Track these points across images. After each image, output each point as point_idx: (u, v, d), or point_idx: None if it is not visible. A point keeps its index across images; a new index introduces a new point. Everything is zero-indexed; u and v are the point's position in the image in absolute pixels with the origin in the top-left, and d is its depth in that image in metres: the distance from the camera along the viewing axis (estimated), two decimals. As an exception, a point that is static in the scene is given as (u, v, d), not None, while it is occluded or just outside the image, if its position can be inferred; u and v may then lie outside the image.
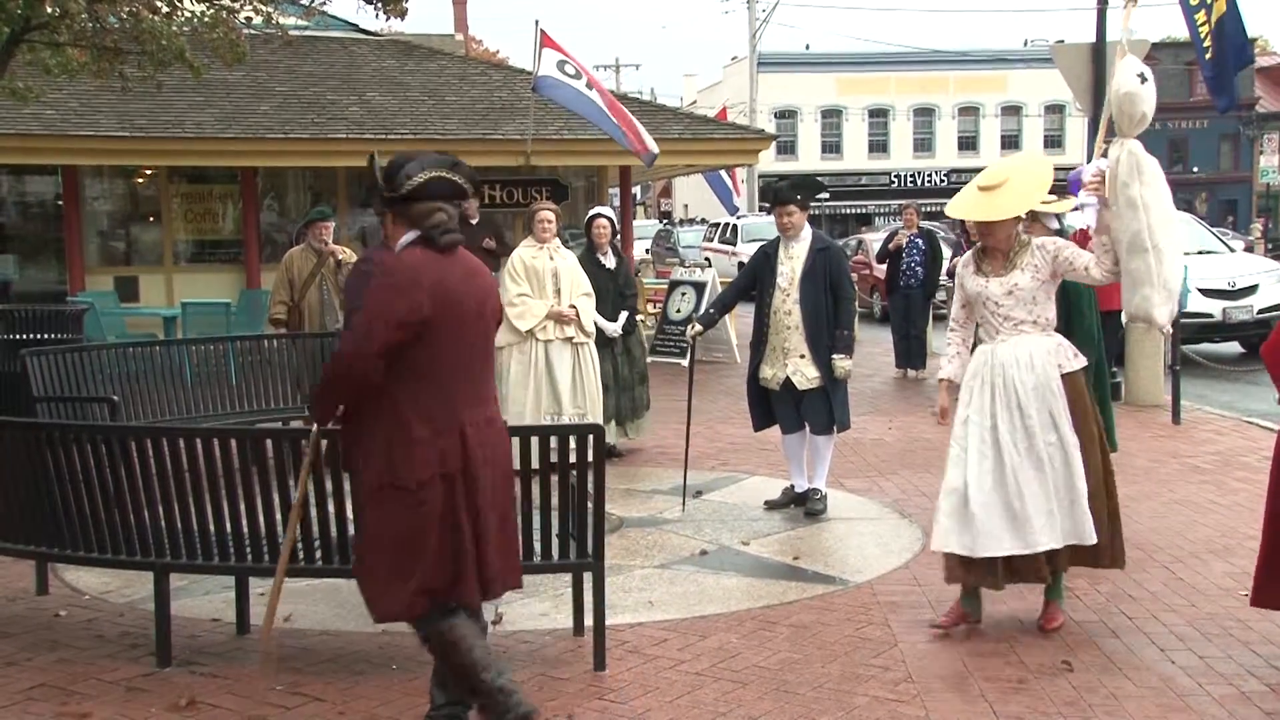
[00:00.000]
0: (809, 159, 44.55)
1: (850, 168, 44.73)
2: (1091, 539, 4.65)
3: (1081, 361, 4.81)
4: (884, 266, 13.36)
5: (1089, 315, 6.47)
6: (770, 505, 6.82)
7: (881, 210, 41.67)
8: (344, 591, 4.97)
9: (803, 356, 6.56)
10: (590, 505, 4.38)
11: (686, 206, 49.46)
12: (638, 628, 4.90)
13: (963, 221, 11.07)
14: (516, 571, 3.80)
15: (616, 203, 18.91)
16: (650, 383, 8.68)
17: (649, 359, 9.88)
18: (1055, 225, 6.61)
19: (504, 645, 4.70)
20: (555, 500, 4.44)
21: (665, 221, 39.32)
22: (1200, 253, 13.79)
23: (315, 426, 3.79)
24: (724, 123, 19.34)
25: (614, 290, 7.97)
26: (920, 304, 12.46)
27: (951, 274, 11.17)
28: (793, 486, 6.85)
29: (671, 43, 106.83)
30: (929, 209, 25.47)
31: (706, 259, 19.69)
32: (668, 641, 4.75)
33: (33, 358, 6.63)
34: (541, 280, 7.42)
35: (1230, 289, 13.18)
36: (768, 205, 6.89)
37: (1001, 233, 4.73)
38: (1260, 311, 12.98)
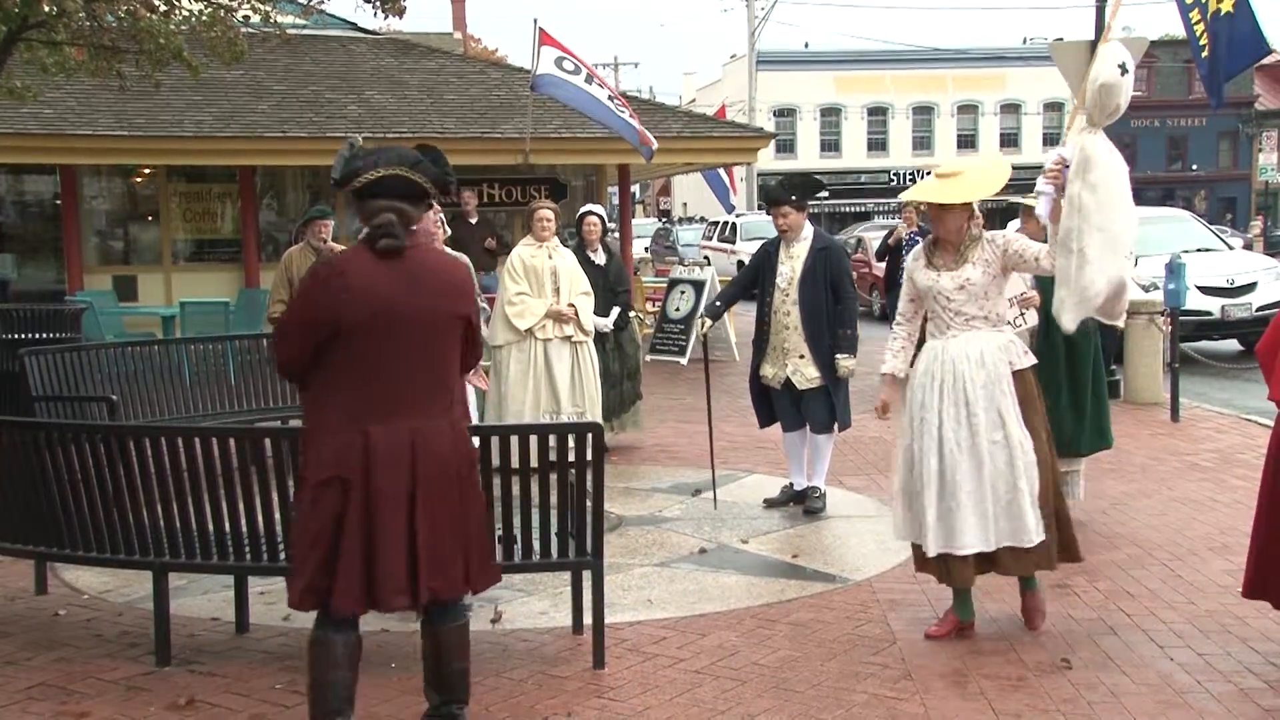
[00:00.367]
0: (808, 157, 44.54)
1: (849, 166, 44.74)
2: (1030, 540, 4.55)
3: (1032, 359, 4.76)
4: (883, 265, 13.36)
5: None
6: (769, 503, 6.82)
7: (881, 208, 41.67)
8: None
9: (802, 357, 6.56)
10: (589, 503, 4.38)
11: (685, 205, 49.46)
12: (637, 626, 4.90)
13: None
14: (455, 582, 3.56)
15: (615, 201, 18.91)
16: (648, 381, 8.69)
17: (649, 357, 9.87)
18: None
19: (503, 643, 4.70)
20: (554, 499, 4.44)
21: (664, 220, 39.29)
22: (1199, 250, 13.78)
23: None
24: (723, 121, 19.34)
25: (604, 286, 7.97)
26: (919, 302, 12.46)
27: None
28: (791, 485, 6.85)
29: (670, 41, 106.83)
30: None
31: (705, 257, 19.70)
32: (667, 640, 4.75)
33: (31, 357, 6.62)
34: (540, 279, 7.41)
35: (1229, 286, 13.16)
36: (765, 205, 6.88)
37: (952, 222, 4.66)
38: (1259, 309, 12.98)
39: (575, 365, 7.48)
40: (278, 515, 4.34)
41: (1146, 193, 41.95)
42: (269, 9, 11.36)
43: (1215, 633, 4.75)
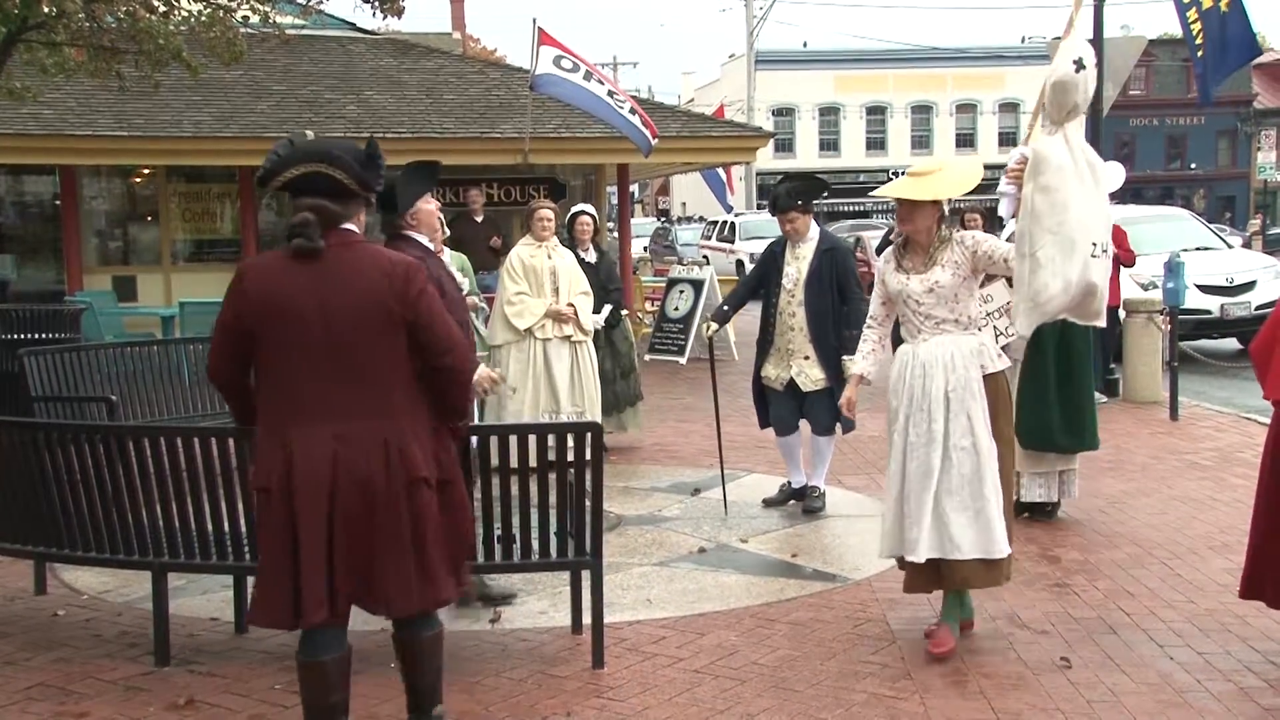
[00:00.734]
0: (807, 156, 44.56)
1: (848, 165, 44.76)
2: (1000, 551, 4.44)
3: (1005, 363, 4.68)
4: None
5: None
6: (768, 503, 6.82)
7: (880, 207, 41.69)
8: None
9: (807, 358, 6.55)
10: (588, 503, 4.38)
11: (684, 204, 49.47)
12: (636, 625, 4.90)
13: (961, 220, 11.09)
14: (389, 597, 3.40)
15: (614, 200, 18.91)
16: (647, 381, 8.69)
17: (648, 357, 9.88)
18: None
19: (502, 643, 4.71)
20: (553, 498, 4.44)
21: (663, 219, 39.30)
22: (1198, 249, 13.76)
23: None
24: (721, 120, 19.35)
25: (595, 285, 7.98)
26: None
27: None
28: (789, 483, 6.85)
29: (669, 41, 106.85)
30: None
31: (704, 257, 19.70)
32: (666, 639, 4.75)
33: (30, 357, 6.62)
34: (540, 279, 7.41)
35: (1228, 285, 13.14)
36: (769, 207, 6.85)
37: (921, 220, 4.55)
38: (1258, 307, 12.97)
39: (574, 365, 7.48)
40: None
41: (1145, 191, 41.99)
42: (268, 9, 11.35)
43: (1215, 631, 4.76)
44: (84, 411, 6.67)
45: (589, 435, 4.38)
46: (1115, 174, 15.38)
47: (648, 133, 11.61)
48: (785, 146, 43.47)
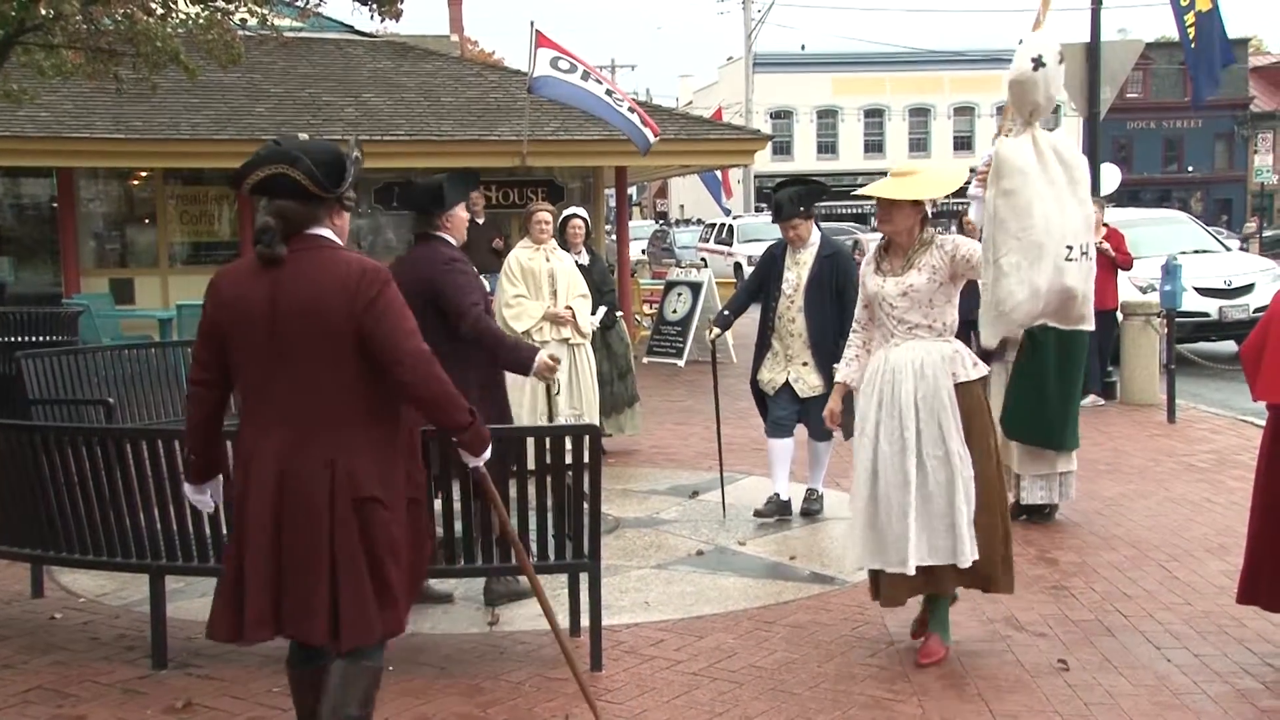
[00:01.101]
0: (805, 159, 44.59)
1: (846, 168, 44.76)
2: (967, 560, 4.34)
3: (981, 370, 4.51)
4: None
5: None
6: (759, 514, 6.68)
7: (877, 210, 41.69)
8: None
9: (805, 364, 6.51)
10: (586, 506, 4.38)
11: (683, 207, 49.49)
12: (634, 628, 4.90)
13: (959, 221, 11.11)
14: (312, 628, 3.17)
15: (612, 203, 18.91)
16: (646, 383, 8.70)
17: (646, 359, 9.88)
18: None
19: (500, 646, 4.70)
20: (551, 501, 4.44)
21: (661, 222, 39.32)
22: (1196, 252, 13.75)
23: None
24: (719, 123, 19.37)
25: (590, 287, 7.98)
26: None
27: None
28: (778, 495, 6.64)
29: (667, 44, 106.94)
30: (925, 209, 25.34)
31: (702, 259, 19.71)
32: (664, 642, 4.75)
33: (28, 360, 6.61)
34: (538, 281, 7.42)
35: (1226, 288, 13.12)
36: (773, 215, 6.77)
37: (901, 221, 4.46)
38: (1256, 310, 12.97)
39: (573, 368, 7.48)
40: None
41: (1143, 194, 42.03)
42: (266, 12, 11.36)
43: (1212, 634, 4.76)
44: (81, 414, 6.67)
45: (587, 438, 4.38)
46: (1112, 177, 15.43)
47: (648, 131, 11.61)
48: (783, 149, 43.51)
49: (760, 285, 6.76)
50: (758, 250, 7.96)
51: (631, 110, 11.67)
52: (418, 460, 3.44)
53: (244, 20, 11.38)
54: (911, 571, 4.34)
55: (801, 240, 6.53)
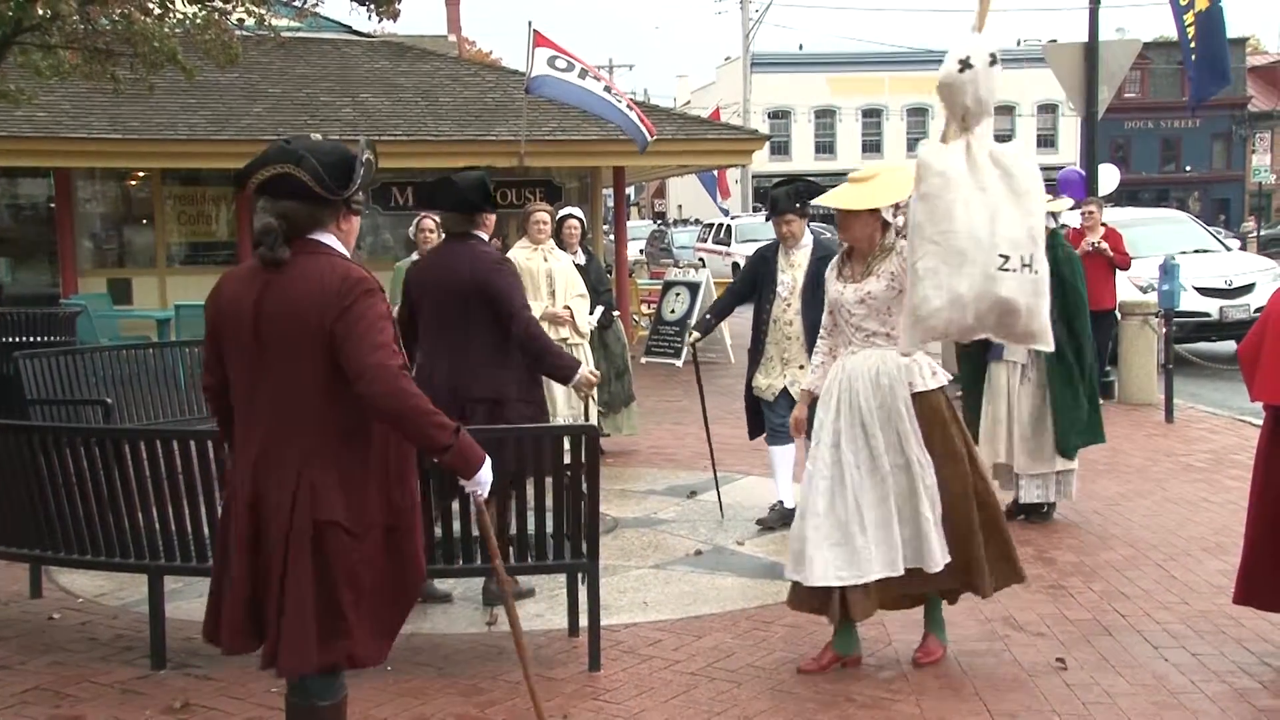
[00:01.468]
0: (802, 159, 44.59)
1: (844, 168, 44.54)
2: (935, 566, 4.26)
3: (940, 379, 4.40)
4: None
5: (1084, 311, 6.48)
6: (762, 524, 6.62)
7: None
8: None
9: (802, 367, 6.45)
10: (585, 506, 4.38)
11: (680, 207, 49.47)
12: (633, 628, 4.90)
13: None
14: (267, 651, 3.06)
15: (610, 203, 18.92)
16: (644, 384, 8.70)
17: (644, 360, 9.88)
18: (1050, 224, 6.62)
19: (499, 646, 4.70)
20: (549, 501, 4.44)
21: (659, 222, 39.32)
22: (1196, 251, 13.70)
23: None
24: (717, 123, 19.37)
25: (587, 287, 7.98)
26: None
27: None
28: (781, 503, 6.57)
29: (665, 43, 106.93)
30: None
31: (700, 259, 19.71)
32: (663, 642, 4.75)
33: (26, 360, 6.61)
34: (536, 282, 7.41)
35: (1227, 288, 13.06)
36: (769, 209, 6.62)
37: (859, 229, 4.42)
38: (1257, 310, 12.95)
39: (571, 368, 7.47)
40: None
41: (1140, 194, 42.05)
42: (263, 12, 11.35)
43: (1210, 633, 4.77)
44: (79, 414, 6.67)
45: (584, 438, 4.39)
46: (1110, 177, 15.44)
47: (645, 129, 11.61)
48: (781, 149, 43.50)
49: (750, 288, 6.57)
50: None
51: (629, 108, 11.67)
52: (405, 485, 3.17)
53: (241, 20, 11.37)
54: (873, 578, 4.23)
55: (795, 238, 6.38)
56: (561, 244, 8.10)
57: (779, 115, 45.26)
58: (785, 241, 6.42)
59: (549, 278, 7.46)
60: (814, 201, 5.40)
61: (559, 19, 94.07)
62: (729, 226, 27.08)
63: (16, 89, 10.78)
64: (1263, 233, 35.70)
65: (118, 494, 4.44)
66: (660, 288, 14.87)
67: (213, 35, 10.59)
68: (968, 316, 3.99)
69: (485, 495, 3.24)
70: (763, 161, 34.90)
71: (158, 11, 10.31)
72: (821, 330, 4.72)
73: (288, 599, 3.00)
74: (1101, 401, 10.23)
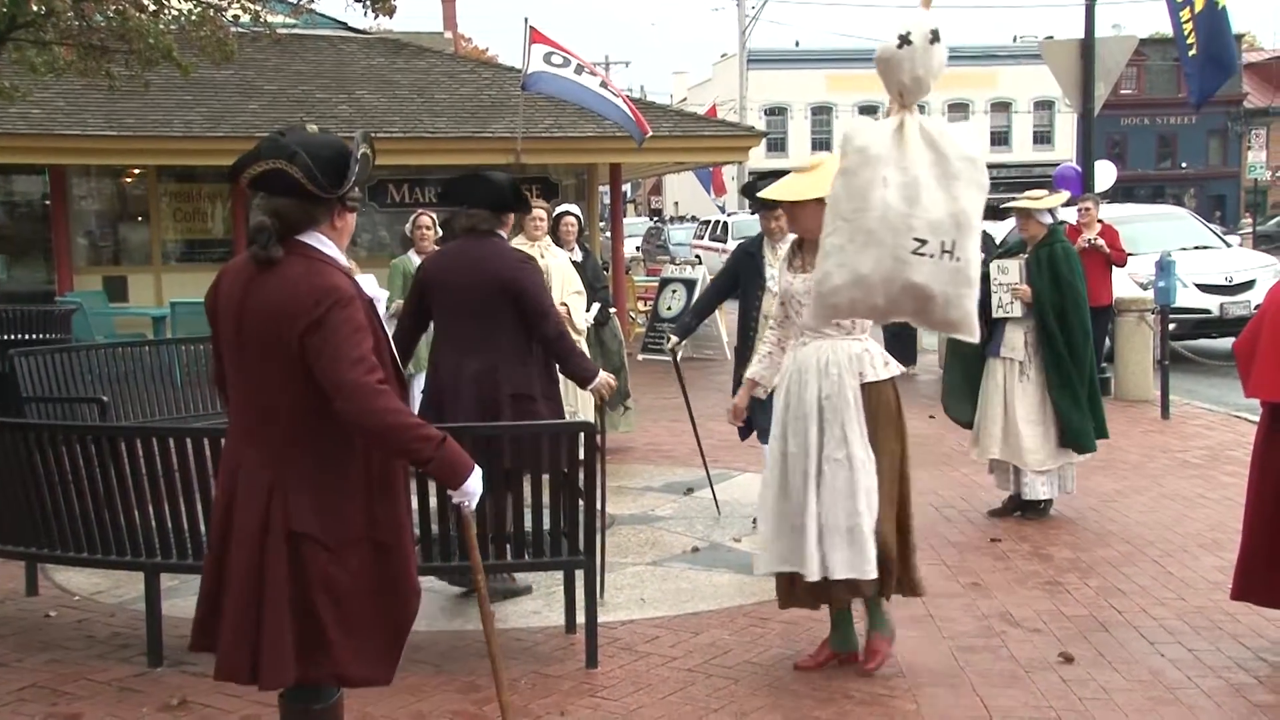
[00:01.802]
0: (799, 156, 44.52)
1: (840, 164, 44.81)
2: (869, 574, 4.15)
3: (892, 370, 4.31)
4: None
5: (1085, 308, 6.48)
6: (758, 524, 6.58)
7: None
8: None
9: None
10: (581, 502, 4.38)
11: (677, 204, 49.45)
12: (630, 625, 4.90)
13: None
14: (235, 662, 2.99)
15: (607, 200, 18.91)
16: (640, 380, 8.70)
17: (641, 357, 9.88)
18: (1048, 220, 6.62)
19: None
20: (546, 498, 4.44)
21: (655, 219, 39.30)
22: (1196, 248, 13.63)
23: None
24: (714, 120, 19.34)
25: (584, 283, 7.98)
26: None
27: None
28: None
29: (661, 40, 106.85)
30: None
31: (697, 256, 19.72)
32: (660, 638, 4.75)
33: (21, 358, 6.60)
34: (532, 278, 7.40)
35: (1227, 284, 12.96)
36: (757, 205, 6.47)
37: (807, 220, 4.31)
38: (1257, 307, 12.94)
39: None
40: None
41: (1137, 190, 42.09)
42: (259, 8, 11.34)
43: (1206, 629, 4.77)
44: (75, 412, 6.65)
45: (582, 435, 4.38)
46: (1107, 173, 15.42)
47: (641, 127, 11.62)
48: (778, 146, 43.47)
49: (733, 284, 6.44)
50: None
51: (625, 104, 11.67)
52: (391, 498, 3.06)
53: (237, 17, 11.36)
54: (814, 577, 4.19)
55: (782, 233, 6.17)
56: (558, 241, 8.10)
57: (776, 112, 45.25)
58: (772, 236, 6.28)
59: (545, 275, 7.44)
60: (759, 195, 5.30)
61: (555, 15, 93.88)
62: (725, 223, 27.09)
63: (11, 86, 10.76)
64: (1257, 229, 35.74)
65: (114, 492, 4.43)
66: (657, 285, 14.92)
67: (208, 32, 10.58)
68: (875, 298, 3.85)
69: (474, 506, 3.12)
70: (760, 158, 34.85)
71: (153, 8, 10.29)
72: (771, 321, 4.67)
73: (265, 611, 2.92)
74: (1097, 398, 10.29)
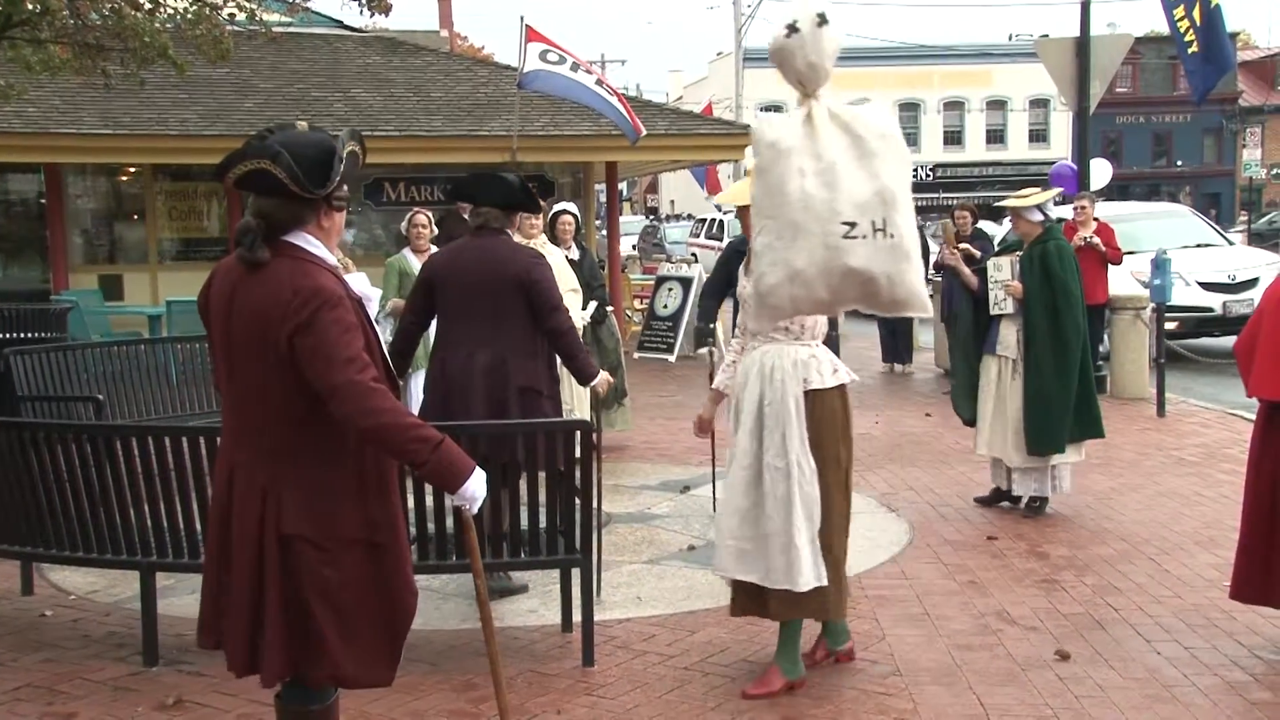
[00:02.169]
0: (795, 154, 44.47)
1: (836, 163, 44.81)
2: (802, 585, 4.01)
3: (840, 378, 4.18)
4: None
5: (1076, 306, 6.48)
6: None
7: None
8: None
9: None
10: (578, 500, 4.38)
11: (673, 202, 49.45)
12: (626, 623, 4.90)
13: (951, 216, 11.15)
14: (235, 656, 3.03)
15: (603, 198, 18.90)
16: (636, 378, 8.70)
17: (637, 355, 9.88)
18: (1038, 217, 6.61)
19: (493, 642, 4.70)
20: (543, 496, 4.44)
21: (651, 217, 39.30)
22: (1199, 246, 13.55)
23: None
24: (710, 118, 19.33)
25: (580, 282, 7.98)
26: (907, 298, 12.46)
27: (939, 268, 11.27)
28: None
29: (657, 39, 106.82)
30: (915, 203, 25.41)
31: (693, 254, 19.72)
32: (656, 637, 4.75)
33: (17, 357, 6.59)
34: (528, 277, 7.40)
35: (1231, 282, 12.85)
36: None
37: (749, 223, 4.22)
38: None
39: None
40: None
41: (1132, 188, 42.14)
42: (254, 7, 11.32)
43: (1202, 627, 4.78)
44: (71, 411, 6.65)
45: (578, 433, 4.38)
46: (1102, 171, 15.40)
47: (635, 126, 11.62)
48: (773, 144, 43.39)
49: (728, 282, 6.41)
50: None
51: (620, 103, 11.67)
52: (386, 498, 3.05)
53: (232, 15, 11.34)
54: (729, 577, 4.13)
55: None
56: (555, 239, 8.10)
57: (772, 110, 45.21)
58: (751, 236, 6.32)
59: (543, 273, 7.44)
60: (712, 201, 5.31)
61: (551, 14, 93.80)
62: (722, 222, 27.08)
63: (6, 84, 10.75)
64: (1252, 227, 35.79)
65: (109, 490, 4.42)
66: (653, 283, 14.91)
67: (204, 30, 10.56)
68: (818, 291, 3.78)
69: (475, 510, 3.07)
70: (755, 156, 34.81)
71: (148, 6, 10.26)
72: (737, 329, 4.58)
73: (266, 612, 2.94)
74: (1093, 396, 10.31)
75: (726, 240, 25.48)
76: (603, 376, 5.29)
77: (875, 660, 4.49)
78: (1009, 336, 6.51)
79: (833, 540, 4.14)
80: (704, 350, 6.95)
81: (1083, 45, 11.11)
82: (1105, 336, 10.72)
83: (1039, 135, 45.33)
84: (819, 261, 3.73)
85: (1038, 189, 6.97)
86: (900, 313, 4.02)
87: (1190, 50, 10.73)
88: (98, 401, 6.63)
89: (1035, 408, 6.36)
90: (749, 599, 4.22)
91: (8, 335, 8.82)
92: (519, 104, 12.51)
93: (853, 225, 3.70)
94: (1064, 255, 6.47)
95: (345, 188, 3.03)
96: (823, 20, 3.78)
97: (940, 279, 11.31)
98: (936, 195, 41.34)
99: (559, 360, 5.30)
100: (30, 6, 9.52)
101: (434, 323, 5.30)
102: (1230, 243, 14.91)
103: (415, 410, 6.25)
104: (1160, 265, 9.84)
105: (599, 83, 11.74)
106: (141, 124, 12.91)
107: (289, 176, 2.85)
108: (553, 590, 4.96)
